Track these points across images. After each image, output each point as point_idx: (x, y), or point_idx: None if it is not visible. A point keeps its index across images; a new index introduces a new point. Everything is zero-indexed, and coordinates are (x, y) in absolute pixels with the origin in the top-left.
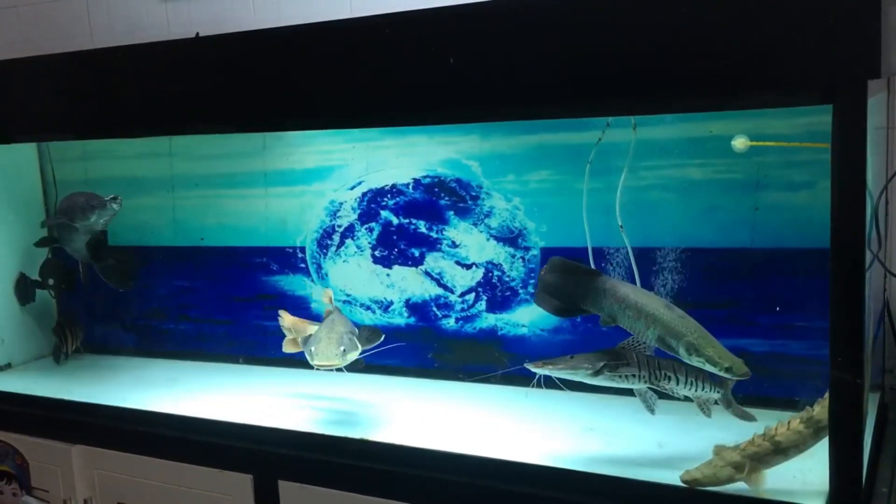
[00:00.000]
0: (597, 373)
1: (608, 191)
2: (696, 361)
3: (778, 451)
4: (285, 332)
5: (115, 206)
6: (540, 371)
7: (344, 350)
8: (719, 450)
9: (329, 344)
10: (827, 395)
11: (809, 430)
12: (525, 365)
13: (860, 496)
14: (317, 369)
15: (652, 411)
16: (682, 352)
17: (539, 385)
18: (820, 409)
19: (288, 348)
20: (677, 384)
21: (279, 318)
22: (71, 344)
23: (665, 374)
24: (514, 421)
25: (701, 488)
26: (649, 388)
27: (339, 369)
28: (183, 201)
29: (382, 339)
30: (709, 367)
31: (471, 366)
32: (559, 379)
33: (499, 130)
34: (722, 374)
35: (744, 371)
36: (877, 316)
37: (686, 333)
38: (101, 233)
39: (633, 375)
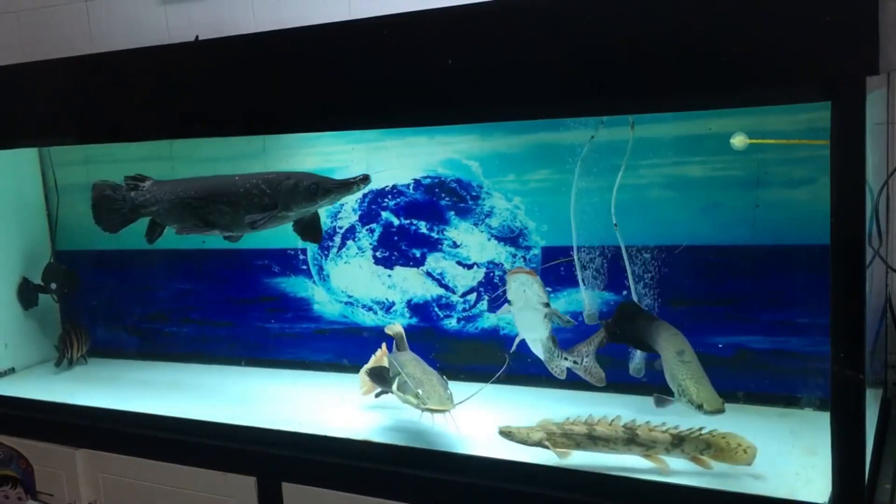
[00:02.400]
0: None
1: (609, 189)
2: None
3: (590, 437)
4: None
5: (361, 186)
6: None
7: (450, 393)
8: (545, 421)
9: (436, 387)
10: (661, 425)
11: (625, 436)
12: None
13: (863, 493)
14: (422, 413)
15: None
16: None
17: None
18: (644, 429)
19: (366, 387)
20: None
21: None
22: (77, 351)
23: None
24: (516, 420)
25: (510, 440)
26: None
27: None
28: None
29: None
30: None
31: (473, 366)
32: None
33: (498, 130)
34: (695, 410)
35: (715, 408)
36: (878, 312)
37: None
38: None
39: None
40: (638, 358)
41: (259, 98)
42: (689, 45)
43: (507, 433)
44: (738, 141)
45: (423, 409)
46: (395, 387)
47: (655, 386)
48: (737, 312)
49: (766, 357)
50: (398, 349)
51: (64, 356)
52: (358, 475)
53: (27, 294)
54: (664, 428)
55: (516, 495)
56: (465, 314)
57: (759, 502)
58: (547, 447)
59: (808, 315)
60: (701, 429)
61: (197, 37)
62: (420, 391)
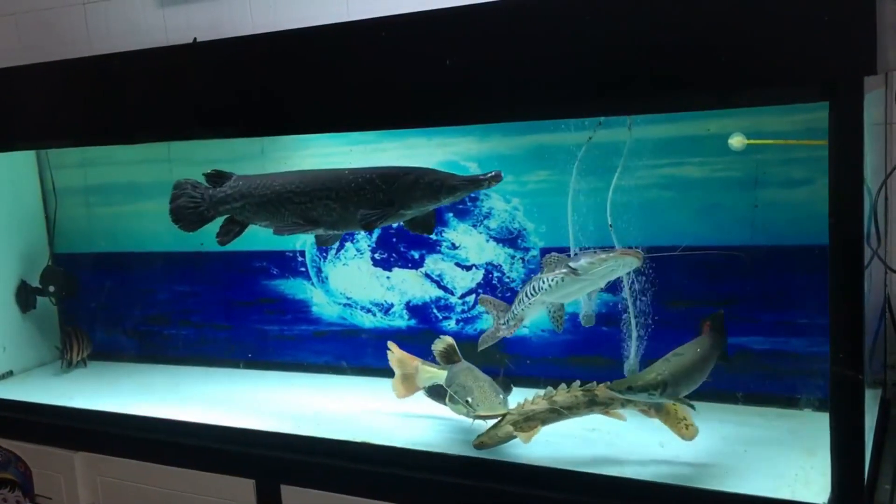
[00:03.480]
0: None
1: (607, 190)
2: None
3: (553, 410)
4: (393, 366)
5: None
6: None
7: (503, 398)
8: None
9: (486, 393)
10: (609, 383)
11: (585, 398)
12: None
13: (862, 493)
14: (474, 420)
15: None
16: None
17: None
18: (602, 388)
19: (400, 390)
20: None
21: (388, 351)
22: (77, 354)
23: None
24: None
25: (488, 449)
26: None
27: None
28: None
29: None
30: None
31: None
32: None
33: (497, 131)
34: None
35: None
36: (877, 312)
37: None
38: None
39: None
40: (632, 356)
41: (257, 100)
42: (687, 46)
43: (480, 445)
44: (737, 142)
45: (474, 417)
46: (447, 399)
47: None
48: (736, 313)
49: (765, 357)
50: (449, 362)
51: (65, 358)
52: (357, 477)
53: (25, 297)
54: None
55: (520, 497)
56: (463, 316)
57: (758, 502)
58: (516, 436)
59: (808, 315)
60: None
61: (195, 39)
62: (469, 398)
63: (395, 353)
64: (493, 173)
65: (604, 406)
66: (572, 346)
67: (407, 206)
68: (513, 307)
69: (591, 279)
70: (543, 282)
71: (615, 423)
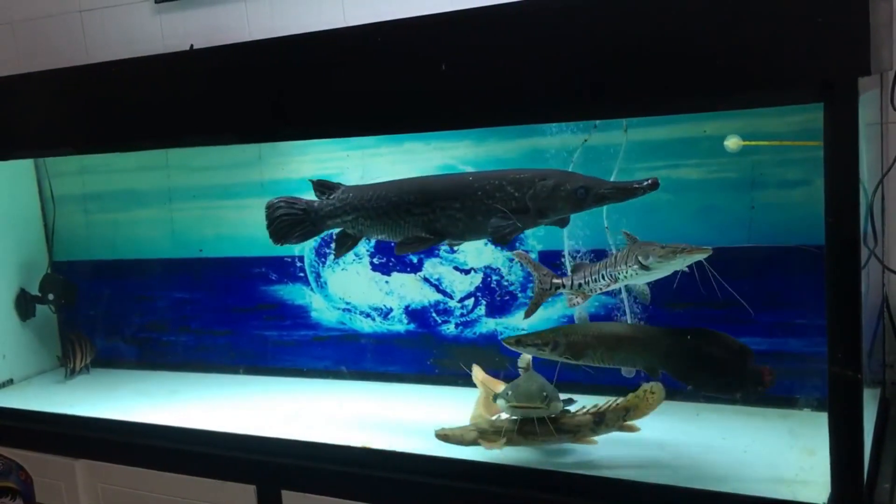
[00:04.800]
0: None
1: None
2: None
3: (520, 430)
4: (478, 385)
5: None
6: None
7: (546, 395)
8: (476, 418)
9: (527, 388)
10: (581, 409)
11: (553, 426)
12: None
13: (862, 493)
14: (511, 417)
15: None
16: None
17: None
18: (568, 418)
19: (485, 413)
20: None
21: (472, 372)
22: (80, 361)
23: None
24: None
25: (448, 443)
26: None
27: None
28: (181, 213)
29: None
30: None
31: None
32: None
33: (493, 135)
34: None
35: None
36: (875, 311)
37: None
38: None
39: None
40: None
41: (254, 106)
42: (682, 49)
43: (443, 437)
44: (732, 143)
45: (511, 408)
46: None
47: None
48: (734, 314)
49: (764, 358)
50: None
51: (68, 367)
52: (358, 482)
53: (25, 305)
54: (583, 411)
55: (521, 499)
56: (462, 319)
57: (758, 502)
58: (483, 445)
59: (806, 316)
60: (616, 399)
61: (192, 46)
62: (510, 391)
63: (478, 376)
64: (650, 181)
65: (572, 434)
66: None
67: (544, 214)
68: (579, 281)
69: (659, 270)
70: (620, 271)
71: None
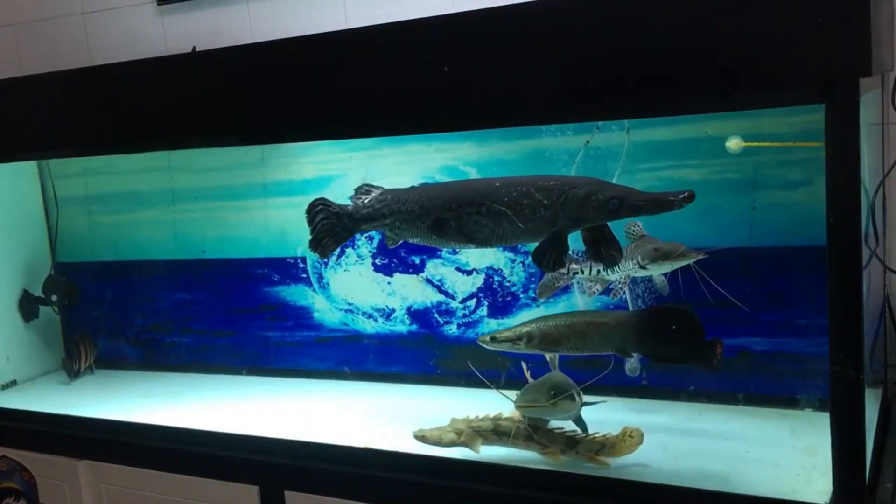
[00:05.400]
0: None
1: None
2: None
3: (496, 432)
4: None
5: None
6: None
7: (554, 393)
8: (454, 420)
9: (544, 383)
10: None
11: (525, 433)
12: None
13: (864, 492)
14: (522, 416)
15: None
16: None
17: None
18: (544, 430)
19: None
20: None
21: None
22: (85, 361)
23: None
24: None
25: (425, 444)
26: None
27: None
28: (183, 214)
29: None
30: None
31: (472, 371)
32: None
33: (495, 136)
34: None
35: None
36: (876, 311)
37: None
38: None
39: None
40: (634, 358)
41: (256, 108)
42: (683, 50)
43: (420, 437)
44: (734, 144)
45: (517, 408)
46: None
47: (651, 388)
48: (737, 314)
49: (765, 358)
50: None
51: (73, 368)
52: (361, 482)
53: (28, 306)
54: (560, 430)
55: (522, 499)
56: (465, 320)
57: (760, 502)
58: (462, 445)
59: (807, 316)
60: (596, 433)
61: (194, 48)
62: (518, 393)
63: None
64: (686, 193)
65: (542, 446)
66: None
67: (575, 224)
68: (598, 268)
69: (656, 269)
70: (626, 265)
71: (615, 424)
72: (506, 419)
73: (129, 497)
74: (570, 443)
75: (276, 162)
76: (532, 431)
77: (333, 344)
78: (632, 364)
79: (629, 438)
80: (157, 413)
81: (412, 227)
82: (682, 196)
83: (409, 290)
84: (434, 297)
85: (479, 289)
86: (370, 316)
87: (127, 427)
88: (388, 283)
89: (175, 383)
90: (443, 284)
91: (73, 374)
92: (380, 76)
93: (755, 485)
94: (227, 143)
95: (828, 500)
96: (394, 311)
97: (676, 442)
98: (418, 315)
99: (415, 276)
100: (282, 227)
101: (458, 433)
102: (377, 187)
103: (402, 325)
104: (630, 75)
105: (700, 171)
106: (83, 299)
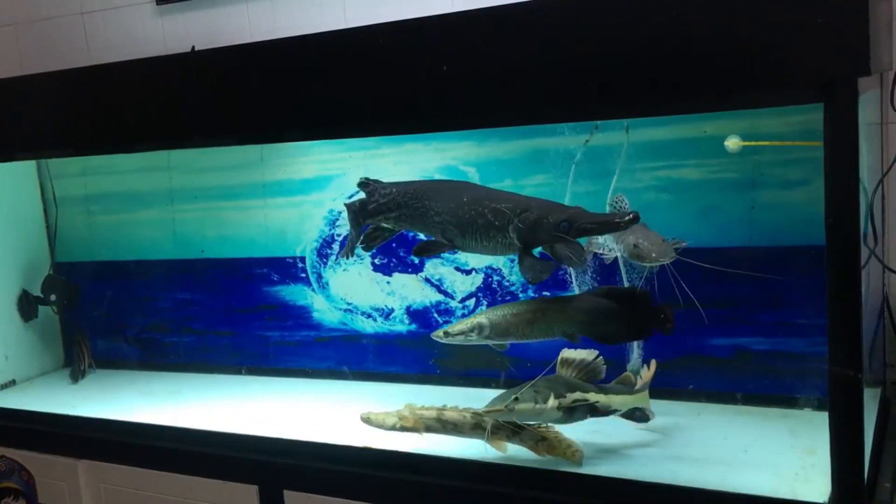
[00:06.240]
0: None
1: (604, 193)
2: None
3: (439, 421)
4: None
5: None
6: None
7: (516, 399)
8: (405, 406)
9: (521, 387)
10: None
11: (472, 421)
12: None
13: (863, 492)
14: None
15: None
16: None
17: None
18: (489, 415)
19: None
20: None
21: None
22: (86, 361)
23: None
24: None
25: (370, 426)
26: None
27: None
28: (183, 214)
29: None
30: None
31: (472, 371)
32: None
33: (494, 135)
34: None
35: None
36: (875, 311)
37: None
38: None
39: None
40: (635, 357)
41: (256, 107)
42: (682, 49)
43: (366, 419)
44: (733, 143)
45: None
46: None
47: (650, 387)
48: (735, 314)
49: (764, 358)
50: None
51: (77, 368)
52: (360, 482)
53: (27, 306)
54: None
55: (523, 499)
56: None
57: (759, 502)
58: (398, 429)
59: (806, 316)
60: (539, 425)
61: (193, 47)
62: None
63: None
64: (631, 215)
65: (491, 434)
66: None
67: (528, 246)
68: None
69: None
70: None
71: (615, 424)
72: (450, 409)
73: (128, 497)
74: (515, 430)
75: (275, 162)
76: (479, 420)
77: (332, 344)
78: (633, 365)
79: (568, 450)
80: (156, 413)
81: (416, 222)
82: (627, 217)
83: (408, 290)
84: (433, 296)
85: (479, 288)
86: (369, 316)
87: (126, 427)
88: (388, 282)
89: (174, 383)
90: (442, 284)
91: (79, 375)
92: (379, 76)
93: (754, 484)
94: (227, 143)
95: (827, 500)
96: (393, 310)
97: (676, 441)
98: (417, 315)
99: (414, 275)
100: (281, 226)
101: (401, 418)
102: (375, 181)
103: (401, 325)
104: (629, 75)
105: (699, 170)
106: (82, 299)
